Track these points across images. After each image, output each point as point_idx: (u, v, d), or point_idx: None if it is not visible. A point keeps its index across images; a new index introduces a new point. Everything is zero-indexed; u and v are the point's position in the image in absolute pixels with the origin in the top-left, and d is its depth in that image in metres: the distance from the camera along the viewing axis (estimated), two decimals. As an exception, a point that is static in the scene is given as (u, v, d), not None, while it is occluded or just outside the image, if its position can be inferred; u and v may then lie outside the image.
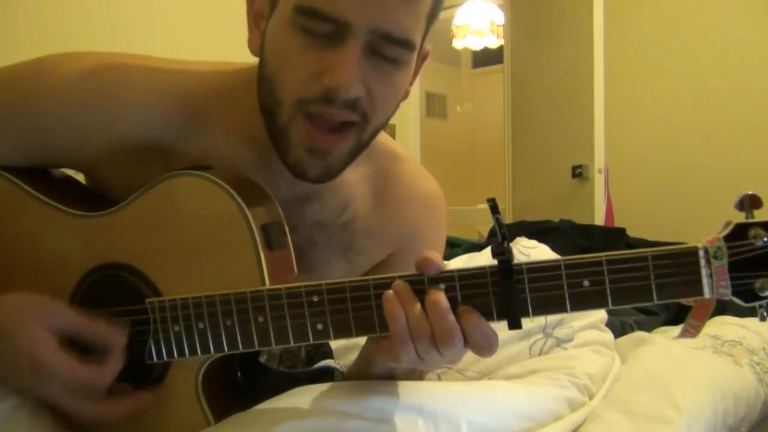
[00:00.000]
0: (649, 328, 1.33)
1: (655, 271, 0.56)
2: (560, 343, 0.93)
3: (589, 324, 0.98)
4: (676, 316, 1.44)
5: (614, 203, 3.34)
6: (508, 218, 3.61)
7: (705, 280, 0.56)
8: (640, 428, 0.79)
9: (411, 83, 0.75)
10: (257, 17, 0.70)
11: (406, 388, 0.71)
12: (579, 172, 3.24)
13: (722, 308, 1.43)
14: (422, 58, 0.75)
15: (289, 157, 0.69)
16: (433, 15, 0.69)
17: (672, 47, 3.64)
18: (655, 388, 0.86)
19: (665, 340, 1.08)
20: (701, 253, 0.56)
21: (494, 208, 0.59)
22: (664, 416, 0.80)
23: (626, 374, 0.92)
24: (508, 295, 0.58)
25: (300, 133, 0.67)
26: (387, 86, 0.68)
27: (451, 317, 0.57)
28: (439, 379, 0.88)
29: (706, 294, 0.56)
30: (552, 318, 0.95)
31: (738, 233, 0.55)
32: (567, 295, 0.57)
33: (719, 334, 1.09)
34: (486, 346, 0.58)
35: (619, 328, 1.32)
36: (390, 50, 0.66)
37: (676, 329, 1.23)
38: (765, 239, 0.55)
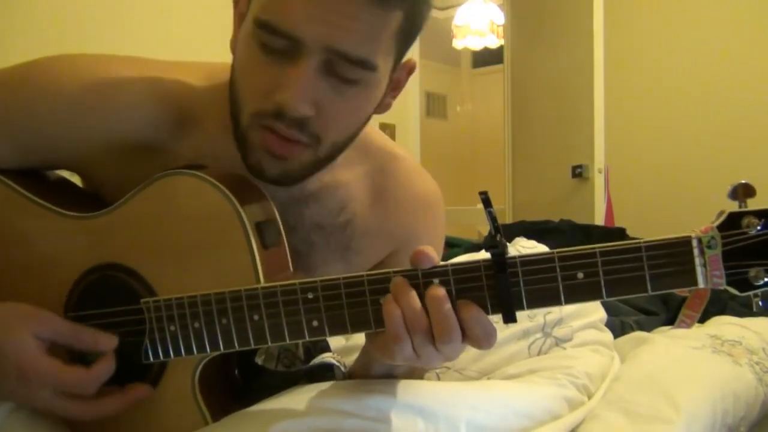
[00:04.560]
0: (649, 328, 1.32)
1: (648, 261, 0.56)
2: (559, 342, 0.93)
3: (588, 324, 0.98)
4: (676, 315, 1.44)
5: (614, 203, 3.33)
6: (508, 218, 3.61)
7: (699, 270, 0.55)
8: (639, 428, 0.79)
9: (394, 96, 0.75)
10: (241, 18, 0.71)
11: (405, 387, 0.71)
12: (579, 172, 3.24)
13: (722, 308, 1.43)
14: (407, 71, 0.75)
15: (249, 158, 0.70)
16: (407, 33, 0.68)
17: (672, 47, 3.63)
18: (655, 387, 0.86)
19: (665, 339, 1.08)
20: (695, 242, 0.55)
21: (486, 201, 0.58)
22: (664, 416, 0.80)
23: (626, 374, 0.92)
24: (502, 288, 0.58)
25: (257, 139, 0.68)
26: (342, 106, 0.68)
27: (451, 310, 0.57)
28: (438, 379, 0.88)
29: (701, 284, 0.56)
30: (551, 317, 0.95)
31: (731, 222, 0.55)
32: (561, 288, 0.57)
33: (719, 333, 1.08)
34: (485, 338, 0.58)
35: (619, 328, 1.32)
36: (347, 70, 0.65)
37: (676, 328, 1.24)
38: (758, 228, 0.55)
